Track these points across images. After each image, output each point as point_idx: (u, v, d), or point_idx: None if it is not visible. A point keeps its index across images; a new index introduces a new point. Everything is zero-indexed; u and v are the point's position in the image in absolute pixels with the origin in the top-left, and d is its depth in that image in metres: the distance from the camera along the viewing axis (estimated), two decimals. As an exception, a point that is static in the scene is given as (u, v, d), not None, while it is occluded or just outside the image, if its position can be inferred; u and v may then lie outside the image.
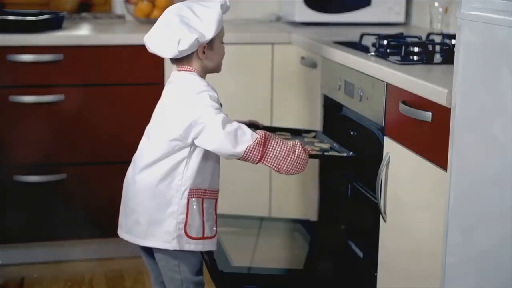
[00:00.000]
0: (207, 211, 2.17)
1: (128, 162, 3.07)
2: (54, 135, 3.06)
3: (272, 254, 2.74)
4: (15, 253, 3.17)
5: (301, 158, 2.10)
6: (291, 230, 2.95)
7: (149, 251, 2.24)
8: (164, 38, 2.11)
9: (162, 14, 2.16)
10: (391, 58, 2.34)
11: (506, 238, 1.56)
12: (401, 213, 2.14)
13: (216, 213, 2.22)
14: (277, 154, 2.08)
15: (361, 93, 2.37)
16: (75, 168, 3.10)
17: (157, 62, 3.06)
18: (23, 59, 2.97)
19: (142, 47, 3.05)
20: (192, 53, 2.13)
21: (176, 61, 2.17)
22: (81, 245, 3.23)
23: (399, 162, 2.13)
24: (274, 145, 2.09)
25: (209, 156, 2.14)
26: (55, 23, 3.17)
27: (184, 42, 2.08)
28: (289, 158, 2.09)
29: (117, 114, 3.09)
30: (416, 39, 2.54)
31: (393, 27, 3.36)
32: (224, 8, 2.16)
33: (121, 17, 3.63)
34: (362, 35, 2.73)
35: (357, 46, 2.64)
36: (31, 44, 2.97)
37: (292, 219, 3.02)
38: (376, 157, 2.27)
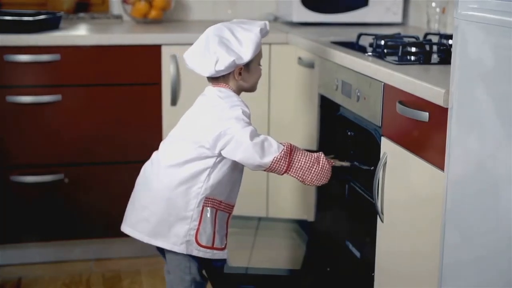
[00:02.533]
0: (220, 223, 2.22)
1: (125, 162, 3.09)
2: (51, 135, 3.05)
3: (269, 254, 2.74)
4: (12, 253, 3.17)
5: (325, 169, 2.16)
6: (289, 230, 2.95)
7: (161, 248, 2.27)
8: (202, 57, 2.17)
9: (204, 32, 2.22)
10: (388, 58, 2.34)
11: (504, 238, 1.56)
12: (398, 213, 2.14)
13: (227, 227, 2.26)
14: (302, 165, 2.14)
15: (358, 93, 2.37)
16: (73, 169, 3.10)
17: (155, 62, 3.06)
18: (20, 59, 2.96)
19: (139, 47, 3.09)
20: (230, 74, 2.20)
21: (213, 79, 2.23)
22: (78, 245, 3.23)
23: (396, 162, 2.13)
24: (299, 157, 2.14)
25: (233, 171, 2.20)
26: (52, 23, 3.17)
27: (221, 63, 2.14)
28: (313, 169, 2.15)
29: (115, 114, 3.09)
30: (414, 39, 2.54)
31: (391, 27, 3.36)
32: (264, 32, 2.23)
33: (119, 17, 3.63)
34: (359, 35, 2.73)
35: (354, 46, 2.64)
36: (28, 44, 2.97)
37: (289, 219, 3.02)
38: (373, 157, 2.27)
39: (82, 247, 3.24)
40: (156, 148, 2.30)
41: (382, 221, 2.21)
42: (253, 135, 2.10)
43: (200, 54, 2.18)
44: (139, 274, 3.12)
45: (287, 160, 2.12)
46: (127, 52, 3.06)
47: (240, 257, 2.63)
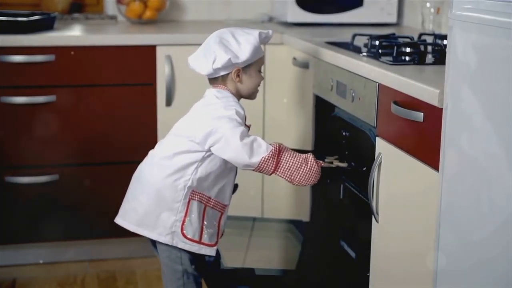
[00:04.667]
0: (209, 219, 2.24)
1: (120, 163, 3.09)
2: (45, 136, 3.05)
3: (264, 254, 2.74)
4: (6, 254, 3.16)
5: (313, 170, 2.18)
6: (284, 231, 2.95)
7: (153, 241, 2.29)
8: (203, 56, 2.26)
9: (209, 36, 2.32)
10: (383, 58, 2.34)
11: (499, 238, 1.57)
12: (393, 213, 2.14)
13: (219, 226, 2.28)
14: (290, 165, 2.17)
15: (353, 94, 2.37)
16: (67, 169, 3.09)
17: (149, 63, 3.06)
18: (14, 60, 2.96)
19: (134, 47, 3.08)
20: (228, 75, 2.26)
21: (212, 80, 2.30)
22: (73, 246, 3.22)
23: (391, 163, 2.13)
24: (287, 157, 2.17)
25: (222, 168, 2.24)
26: (46, 24, 3.17)
27: (218, 61, 2.22)
28: (301, 170, 2.17)
29: (109, 115, 3.08)
30: (408, 40, 2.54)
31: (385, 28, 3.36)
32: (263, 37, 2.29)
33: (113, 17, 3.62)
34: (354, 36, 2.73)
35: (349, 47, 2.64)
36: (23, 45, 2.96)
37: (284, 220, 3.02)
38: (368, 157, 2.28)
39: (77, 248, 3.23)
40: (152, 148, 2.31)
41: (377, 221, 2.21)
42: (243, 135, 2.14)
43: (201, 54, 2.27)
44: (134, 274, 3.12)
45: (275, 160, 2.15)
46: (122, 53, 3.06)
47: (235, 257, 2.63)
